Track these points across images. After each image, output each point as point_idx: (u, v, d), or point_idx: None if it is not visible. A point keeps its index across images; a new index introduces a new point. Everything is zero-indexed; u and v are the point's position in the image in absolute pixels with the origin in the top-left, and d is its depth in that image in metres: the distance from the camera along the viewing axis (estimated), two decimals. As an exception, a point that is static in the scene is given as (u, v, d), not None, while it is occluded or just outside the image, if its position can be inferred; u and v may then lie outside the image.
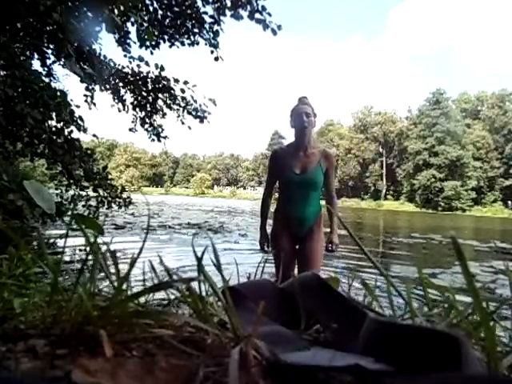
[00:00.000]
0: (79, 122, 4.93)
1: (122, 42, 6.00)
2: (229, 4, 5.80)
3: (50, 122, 4.70)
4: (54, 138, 4.88)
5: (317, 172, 2.33)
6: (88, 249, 0.45)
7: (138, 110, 6.86)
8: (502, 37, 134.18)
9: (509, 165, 53.79)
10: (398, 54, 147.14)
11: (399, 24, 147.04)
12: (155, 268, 0.48)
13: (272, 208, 2.53)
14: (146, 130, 7.06)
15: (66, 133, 4.96)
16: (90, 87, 5.71)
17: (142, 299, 0.43)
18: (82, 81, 4.84)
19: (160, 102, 6.71)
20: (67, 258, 4.03)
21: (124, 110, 6.78)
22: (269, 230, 2.52)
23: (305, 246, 2.38)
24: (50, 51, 4.94)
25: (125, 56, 6.14)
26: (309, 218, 2.37)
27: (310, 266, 2.32)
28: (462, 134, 53.06)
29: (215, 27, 6.19)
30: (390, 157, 62.97)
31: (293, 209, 2.36)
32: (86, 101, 5.79)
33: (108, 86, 6.31)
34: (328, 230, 2.49)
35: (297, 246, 2.44)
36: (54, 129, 4.87)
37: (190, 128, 6.84)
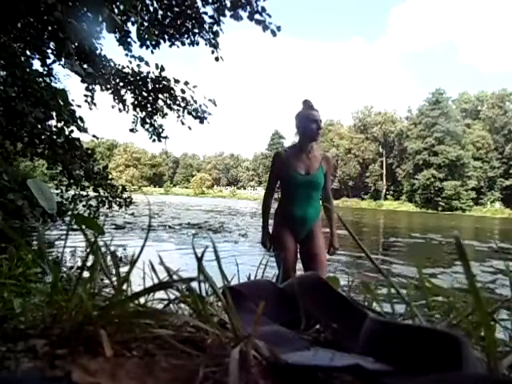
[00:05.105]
0: (79, 122, 4.93)
1: (123, 41, 6.01)
2: (228, 4, 5.81)
3: (50, 121, 4.70)
4: (55, 137, 4.88)
5: (319, 174, 2.42)
6: (88, 249, 0.45)
7: (138, 110, 6.87)
8: (503, 36, 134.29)
9: (509, 165, 53.75)
10: (399, 53, 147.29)
11: (400, 23, 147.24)
12: (155, 268, 0.48)
13: (272, 208, 2.56)
14: (147, 130, 7.06)
15: (67, 132, 4.97)
16: (91, 87, 5.72)
17: (142, 299, 0.43)
18: (82, 81, 4.85)
19: (160, 102, 6.72)
20: (67, 258, 4.03)
21: (124, 110, 6.78)
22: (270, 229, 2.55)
23: (309, 245, 2.43)
24: (50, 51, 4.94)
25: (126, 55, 6.14)
26: (311, 218, 2.43)
27: (317, 263, 2.39)
28: (461, 134, 53.01)
29: (215, 27, 6.20)
30: (390, 157, 62.93)
31: (296, 209, 2.40)
32: (86, 101, 5.80)
33: (108, 86, 6.31)
34: (326, 230, 2.54)
35: (298, 246, 2.47)
36: (54, 128, 4.88)
37: (190, 128, 6.85)
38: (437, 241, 9.32)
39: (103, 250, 0.48)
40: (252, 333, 0.32)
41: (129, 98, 6.72)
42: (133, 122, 7.00)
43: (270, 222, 2.53)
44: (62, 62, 4.85)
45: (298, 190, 2.40)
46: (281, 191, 2.53)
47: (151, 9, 6.09)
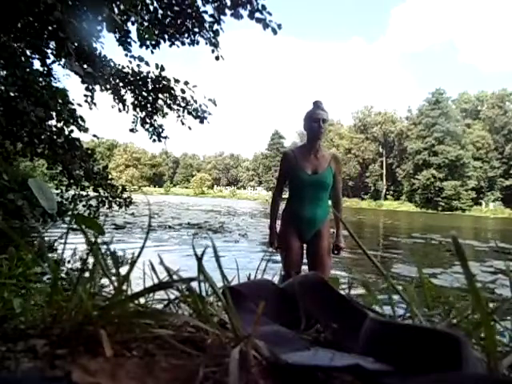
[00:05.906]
0: (80, 121, 4.92)
1: (123, 41, 5.99)
2: (229, 3, 5.80)
3: (50, 121, 4.69)
4: (55, 137, 4.88)
5: (327, 174, 2.40)
6: (88, 249, 0.45)
7: (138, 110, 6.85)
8: (503, 36, 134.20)
9: (509, 165, 53.72)
10: (399, 53, 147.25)
11: (400, 23, 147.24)
12: (155, 268, 0.48)
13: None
14: (147, 130, 7.05)
15: (67, 132, 4.96)
16: (91, 87, 5.71)
17: (142, 299, 0.43)
18: (82, 81, 4.84)
19: (160, 102, 6.70)
20: (67, 258, 4.03)
21: (124, 110, 6.77)
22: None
23: (315, 246, 2.43)
24: (50, 51, 4.94)
25: (126, 55, 6.13)
26: (319, 219, 2.42)
27: (321, 263, 2.39)
28: (461, 134, 52.98)
29: (215, 26, 6.18)
30: (390, 157, 62.91)
31: (303, 209, 2.39)
32: (86, 101, 5.79)
33: (108, 86, 6.30)
34: (332, 230, 2.54)
35: (304, 246, 2.48)
36: (54, 128, 4.87)
37: (190, 128, 6.84)
38: (437, 241, 9.32)
39: (103, 249, 0.48)
40: (252, 333, 0.32)
41: (129, 97, 6.71)
42: (133, 122, 6.99)
43: (278, 222, 2.54)
44: (62, 62, 4.86)
45: (305, 190, 2.39)
46: (289, 191, 2.52)
47: (151, 8, 6.08)
